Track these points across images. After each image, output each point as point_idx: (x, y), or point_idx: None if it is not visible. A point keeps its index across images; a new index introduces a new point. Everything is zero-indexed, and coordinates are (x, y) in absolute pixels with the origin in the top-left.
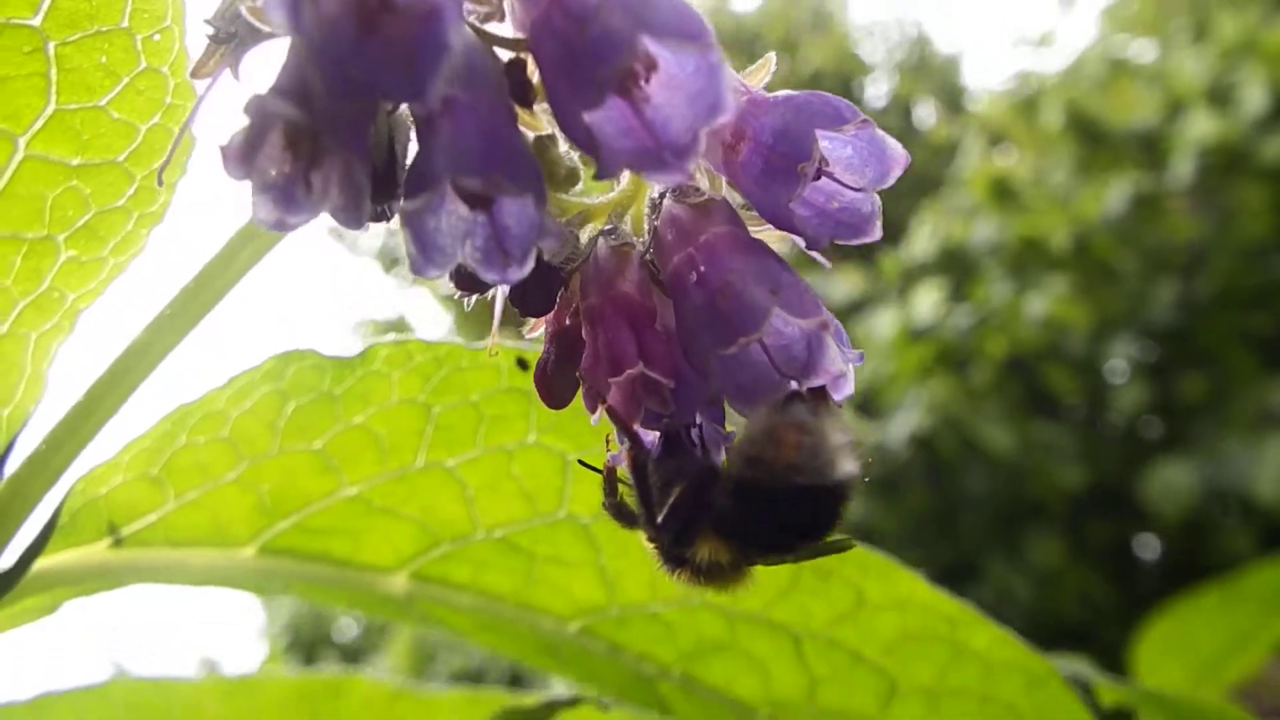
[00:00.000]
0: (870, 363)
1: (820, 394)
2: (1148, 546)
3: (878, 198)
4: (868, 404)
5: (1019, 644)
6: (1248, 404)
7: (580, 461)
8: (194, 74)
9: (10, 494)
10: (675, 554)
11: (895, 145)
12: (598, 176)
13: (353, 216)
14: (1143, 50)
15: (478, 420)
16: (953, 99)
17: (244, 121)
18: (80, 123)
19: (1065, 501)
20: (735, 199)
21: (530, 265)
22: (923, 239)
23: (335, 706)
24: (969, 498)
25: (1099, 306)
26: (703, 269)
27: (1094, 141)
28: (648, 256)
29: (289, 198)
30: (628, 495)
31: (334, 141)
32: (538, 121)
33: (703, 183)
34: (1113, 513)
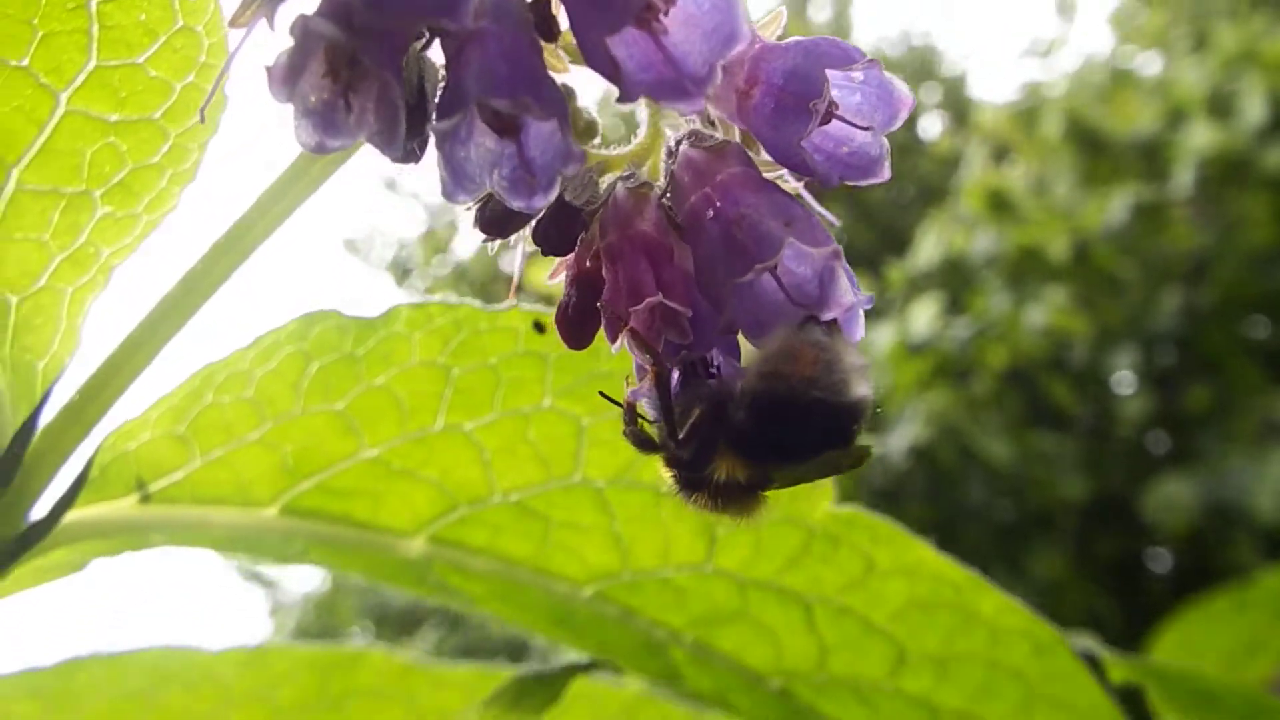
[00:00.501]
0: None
1: (834, 325)
2: (1152, 559)
3: (886, 141)
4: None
5: (1025, 611)
6: (1251, 416)
7: (601, 393)
8: (231, 23)
9: (45, 444)
10: (693, 477)
11: (902, 87)
12: (619, 100)
13: (388, 140)
14: (1145, 60)
15: (495, 383)
16: (959, 110)
17: (288, 43)
18: (119, 79)
19: (1068, 514)
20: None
21: (555, 192)
22: (927, 250)
23: (348, 677)
24: (970, 509)
25: (1100, 317)
26: (718, 204)
27: (1094, 151)
28: (665, 200)
29: (329, 121)
30: (646, 425)
31: (371, 64)
32: (562, 64)
33: (719, 133)
34: (1116, 525)
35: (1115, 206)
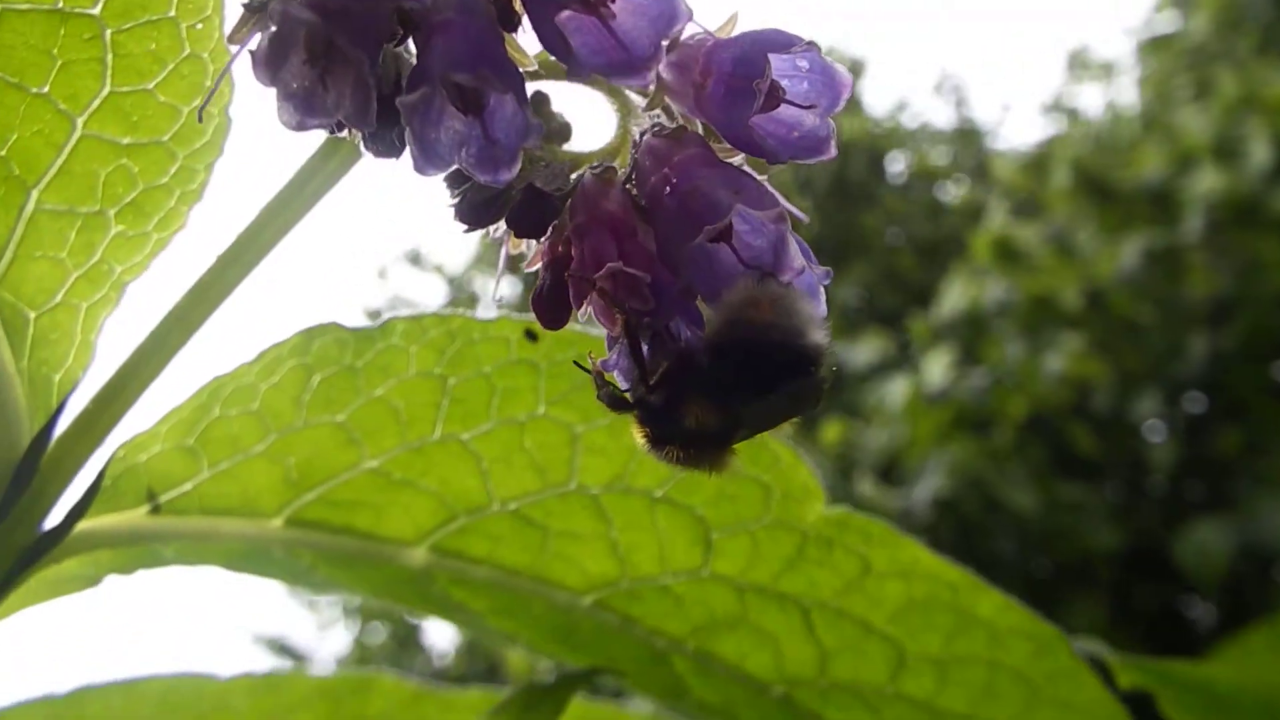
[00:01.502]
0: (889, 430)
1: (790, 285)
2: (1189, 608)
3: (832, 123)
4: (889, 471)
5: (1024, 610)
6: None
7: (576, 363)
8: (229, 39)
9: (59, 453)
10: (665, 428)
11: (842, 70)
12: (570, 77)
13: (362, 119)
14: (1151, 108)
15: (490, 393)
16: (979, 165)
17: (270, 29)
18: (131, 105)
19: (1101, 565)
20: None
21: (518, 165)
22: (950, 302)
23: (360, 704)
24: (1000, 563)
25: (1121, 363)
26: (675, 181)
27: (1104, 198)
28: (629, 186)
29: (309, 103)
30: (617, 388)
31: (346, 47)
32: (524, 57)
33: (679, 124)
34: (1150, 575)
35: (1127, 252)
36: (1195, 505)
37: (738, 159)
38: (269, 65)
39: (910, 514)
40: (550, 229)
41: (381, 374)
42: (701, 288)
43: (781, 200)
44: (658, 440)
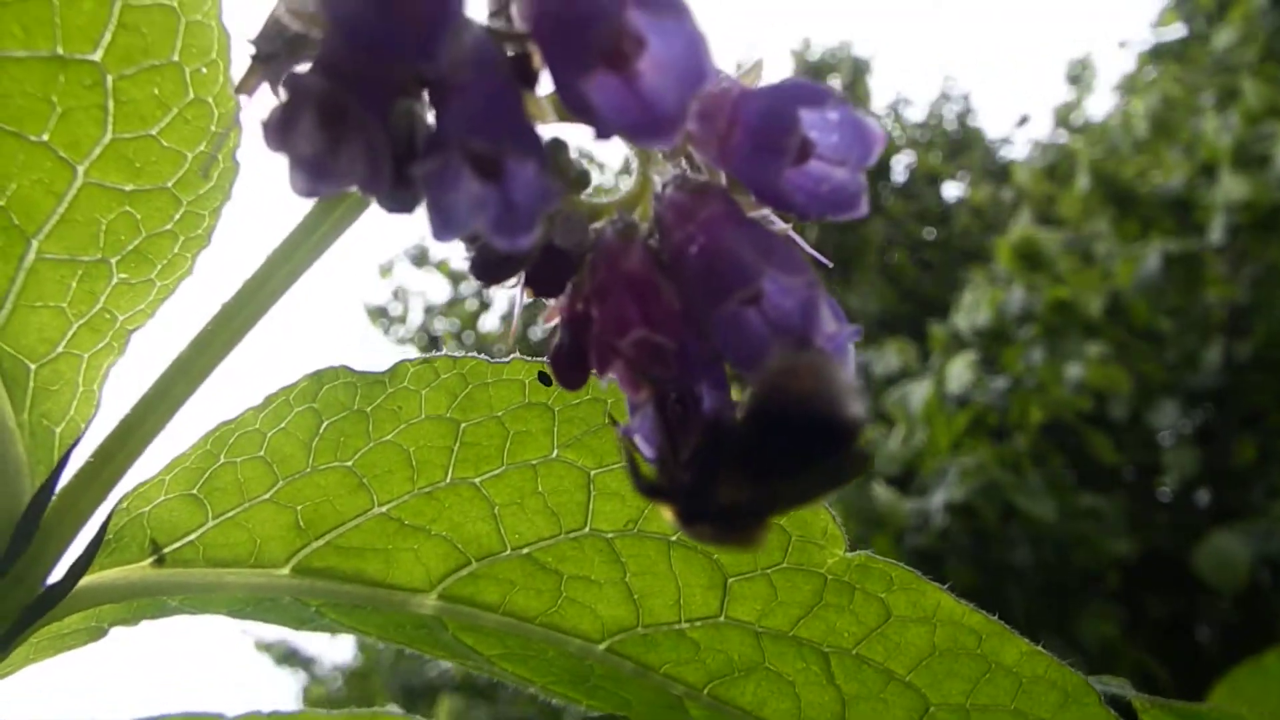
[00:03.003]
0: (908, 433)
1: (822, 350)
2: (1205, 618)
3: (863, 178)
4: (906, 478)
5: (1051, 659)
6: None
7: (609, 417)
8: (238, 90)
9: (62, 507)
10: (696, 506)
11: (874, 125)
12: (595, 138)
13: (374, 184)
14: (1165, 115)
15: (503, 436)
16: (994, 173)
17: (281, 98)
18: (134, 151)
19: (1116, 573)
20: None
21: (537, 231)
22: (966, 309)
23: None
24: (1015, 570)
25: (1140, 371)
26: (700, 241)
27: (1123, 204)
28: (651, 241)
29: (320, 169)
30: (645, 468)
31: (357, 114)
32: (544, 112)
33: (705, 177)
34: (1166, 584)
35: (1147, 259)
36: (1208, 515)
37: (764, 212)
38: (279, 133)
39: (927, 520)
40: (569, 285)
41: (392, 418)
42: (728, 353)
43: (809, 250)
44: (689, 518)
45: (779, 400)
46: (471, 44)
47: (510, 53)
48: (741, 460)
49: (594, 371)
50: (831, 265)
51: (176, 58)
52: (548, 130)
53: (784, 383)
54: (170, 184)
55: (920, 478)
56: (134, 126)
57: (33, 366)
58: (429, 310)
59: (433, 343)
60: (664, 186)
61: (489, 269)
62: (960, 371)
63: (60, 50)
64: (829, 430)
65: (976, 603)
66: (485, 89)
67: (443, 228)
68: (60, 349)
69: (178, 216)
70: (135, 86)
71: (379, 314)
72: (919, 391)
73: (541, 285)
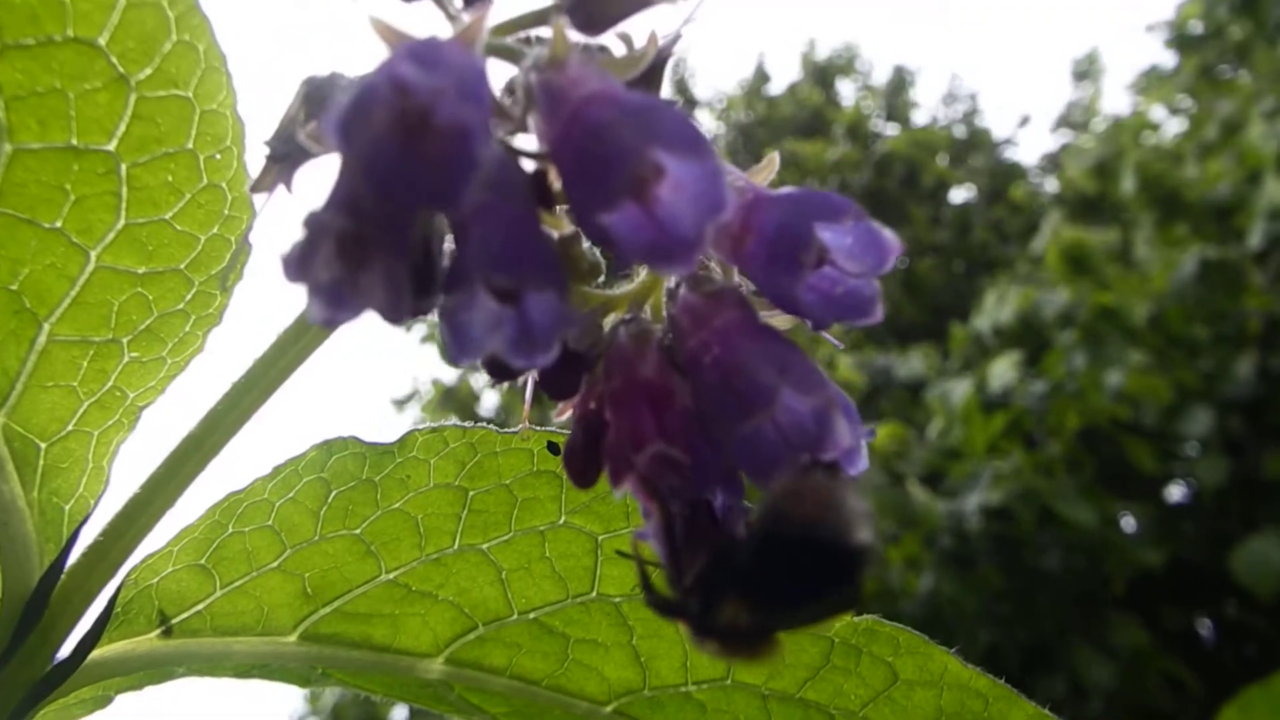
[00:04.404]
0: (944, 428)
1: (834, 466)
2: (1236, 629)
3: (877, 283)
4: (936, 478)
5: None
6: None
7: (619, 552)
8: (253, 189)
9: (71, 584)
10: (704, 623)
11: (889, 235)
12: (615, 270)
13: (393, 313)
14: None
15: (511, 503)
16: (999, 174)
17: (300, 233)
18: (147, 235)
19: (1147, 581)
20: (747, 286)
21: (555, 352)
22: (992, 312)
23: None
24: (1046, 576)
25: (1177, 379)
26: (716, 351)
27: (1167, 208)
28: (666, 342)
29: (339, 298)
30: (659, 582)
31: (378, 248)
32: (560, 222)
33: (716, 273)
34: (1198, 594)
35: (1185, 263)
36: (1241, 525)
37: (775, 311)
38: (298, 267)
39: (960, 523)
40: (582, 383)
41: (400, 486)
42: (743, 466)
43: (833, 342)
44: (696, 631)
45: (782, 528)
46: (492, 166)
47: (529, 168)
48: (744, 586)
49: (611, 483)
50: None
51: (191, 145)
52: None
53: (789, 509)
54: (183, 266)
55: (949, 480)
56: (147, 212)
57: (43, 445)
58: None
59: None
60: (677, 284)
61: (502, 369)
62: (1003, 371)
63: (75, 141)
64: (834, 559)
65: (1007, 607)
66: (504, 215)
67: (459, 352)
68: (70, 427)
69: (190, 296)
70: (149, 173)
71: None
72: (960, 389)
73: (555, 388)
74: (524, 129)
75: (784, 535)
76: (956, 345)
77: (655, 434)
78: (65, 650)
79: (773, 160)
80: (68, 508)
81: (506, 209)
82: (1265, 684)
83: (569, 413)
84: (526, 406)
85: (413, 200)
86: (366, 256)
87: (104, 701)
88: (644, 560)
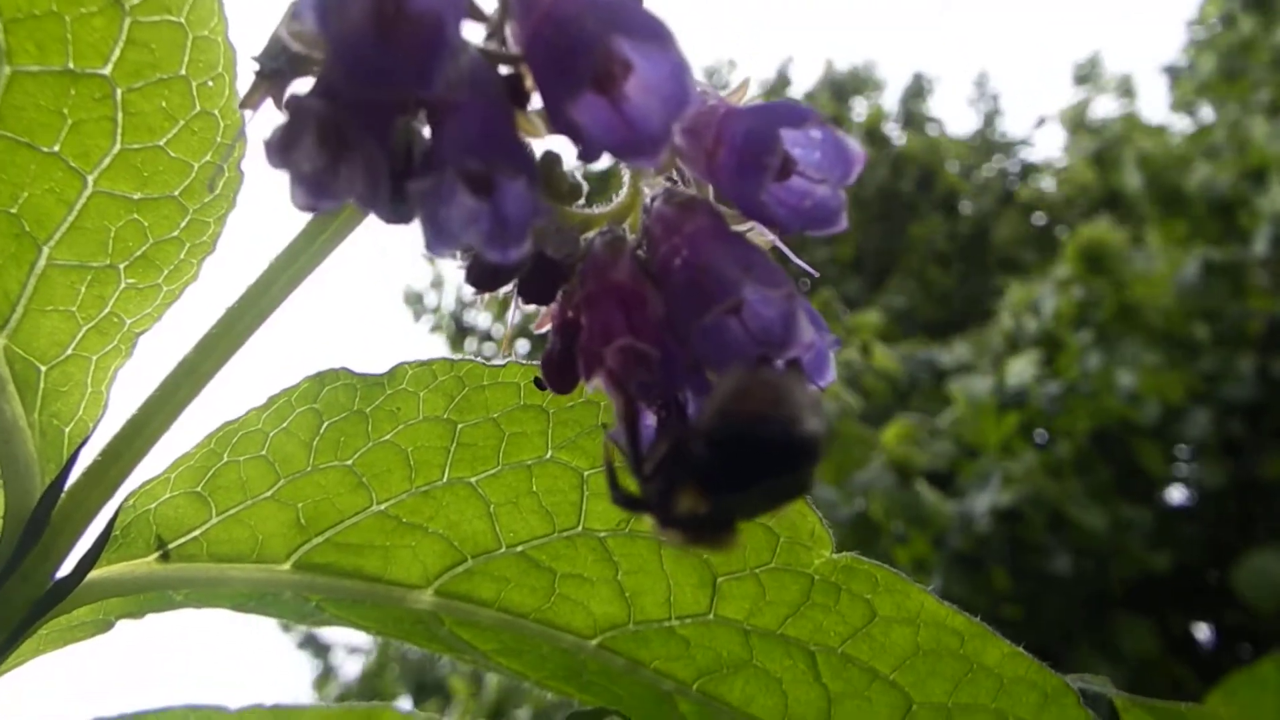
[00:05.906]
0: (961, 419)
1: (794, 364)
2: (1244, 635)
3: (844, 194)
4: (946, 478)
5: (1032, 660)
6: None
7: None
8: (242, 105)
9: (71, 505)
10: (665, 513)
11: (855, 145)
12: (581, 158)
13: (372, 202)
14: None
15: (499, 438)
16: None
17: (284, 117)
18: (141, 161)
19: (1156, 587)
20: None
21: (527, 244)
22: (1013, 308)
23: None
24: (1054, 578)
25: (1185, 380)
26: (685, 253)
27: (1169, 206)
28: (640, 251)
29: (320, 186)
30: (626, 480)
31: (357, 135)
32: (536, 129)
33: (690, 190)
34: (1205, 600)
35: (1187, 264)
36: (1247, 530)
37: (749, 225)
38: (281, 152)
39: (969, 524)
40: (560, 293)
41: (390, 419)
42: (710, 361)
43: (799, 262)
44: (661, 523)
45: (732, 421)
46: (467, 66)
47: (504, 72)
48: (698, 476)
49: (583, 378)
50: (819, 275)
51: (184, 72)
52: (543, 144)
53: (737, 405)
54: (177, 193)
55: (959, 480)
56: (142, 138)
57: (43, 368)
58: (461, 301)
59: (461, 333)
60: (653, 199)
61: (483, 277)
62: (1022, 368)
63: (72, 65)
64: (781, 448)
65: (1015, 609)
66: (479, 110)
67: (437, 241)
68: (69, 351)
69: (184, 224)
70: (143, 99)
71: (415, 299)
72: (981, 384)
73: (533, 293)
74: (502, 38)
75: (733, 426)
76: (994, 339)
77: (625, 330)
78: (66, 569)
79: (746, 83)
80: (67, 430)
81: (481, 104)
82: (1250, 669)
83: (548, 325)
84: (508, 331)
85: (387, 82)
86: (346, 145)
87: (105, 626)
88: (612, 466)
